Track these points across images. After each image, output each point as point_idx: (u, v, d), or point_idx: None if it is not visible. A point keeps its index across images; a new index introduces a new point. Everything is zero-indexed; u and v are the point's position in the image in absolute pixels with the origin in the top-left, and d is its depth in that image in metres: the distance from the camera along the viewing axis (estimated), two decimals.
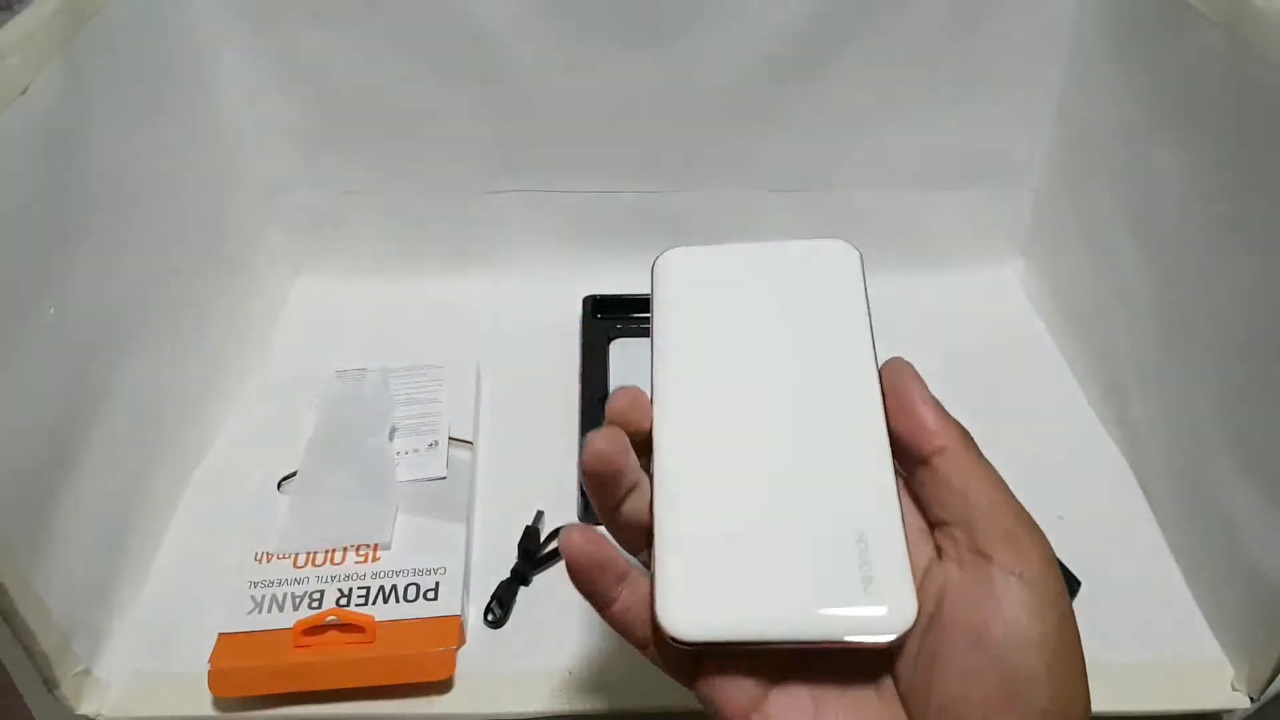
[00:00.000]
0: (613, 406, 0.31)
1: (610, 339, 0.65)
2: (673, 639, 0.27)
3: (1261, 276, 0.43)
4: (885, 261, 0.61)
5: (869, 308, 0.33)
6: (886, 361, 0.31)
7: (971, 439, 0.29)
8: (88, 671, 0.45)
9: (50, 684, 0.43)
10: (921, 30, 0.60)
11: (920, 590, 0.28)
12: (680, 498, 0.29)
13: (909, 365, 0.31)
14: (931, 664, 0.27)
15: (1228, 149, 0.45)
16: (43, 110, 0.42)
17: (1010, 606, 0.26)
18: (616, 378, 0.62)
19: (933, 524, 0.29)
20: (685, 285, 0.34)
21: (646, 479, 0.31)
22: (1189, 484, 0.51)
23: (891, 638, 0.26)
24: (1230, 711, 0.45)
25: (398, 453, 0.56)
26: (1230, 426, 0.47)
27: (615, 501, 0.30)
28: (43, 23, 0.43)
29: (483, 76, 0.62)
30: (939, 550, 0.29)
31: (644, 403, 0.31)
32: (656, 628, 0.27)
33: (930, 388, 0.30)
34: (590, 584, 0.30)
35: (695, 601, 0.27)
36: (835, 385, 0.31)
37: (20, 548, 0.40)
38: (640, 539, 0.31)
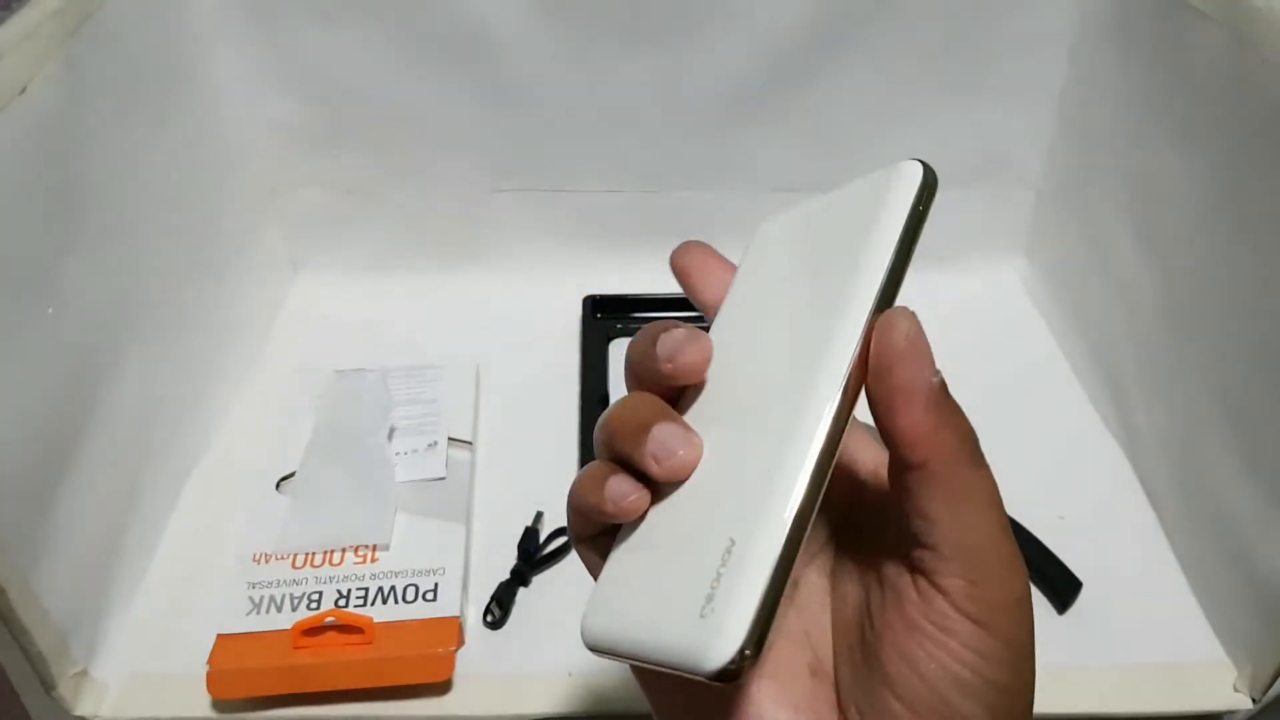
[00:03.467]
0: (684, 256, 0.30)
1: (610, 339, 0.65)
2: (584, 640, 0.25)
3: (1263, 275, 0.43)
4: None
5: (909, 239, 0.25)
6: (881, 318, 0.23)
7: (969, 446, 0.23)
8: (85, 672, 0.45)
9: (48, 685, 0.42)
10: (923, 30, 0.60)
11: (840, 599, 0.26)
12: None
13: (906, 328, 0.23)
14: (870, 675, 0.24)
15: (1229, 148, 0.45)
16: (41, 109, 0.42)
17: (954, 645, 0.22)
18: (616, 378, 0.62)
19: (911, 540, 0.24)
20: (758, 256, 0.30)
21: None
22: (1191, 484, 0.50)
23: (708, 670, 0.21)
24: (1232, 712, 0.45)
25: (397, 453, 0.56)
26: (1232, 426, 0.46)
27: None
28: (42, 22, 0.43)
29: (483, 75, 0.62)
30: (911, 560, 0.24)
31: (717, 264, 0.30)
32: None
33: None
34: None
35: (599, 606, 0.26)
36: (808, 348, 0.24)
37: (18, 548, 0.40)
38: None
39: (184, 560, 0.52)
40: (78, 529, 0.44)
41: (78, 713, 0.44)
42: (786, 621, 0.27)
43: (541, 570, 0.52)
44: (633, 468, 0.26)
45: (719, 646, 0.21)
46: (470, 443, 0.57)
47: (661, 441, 0.25)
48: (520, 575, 0.51)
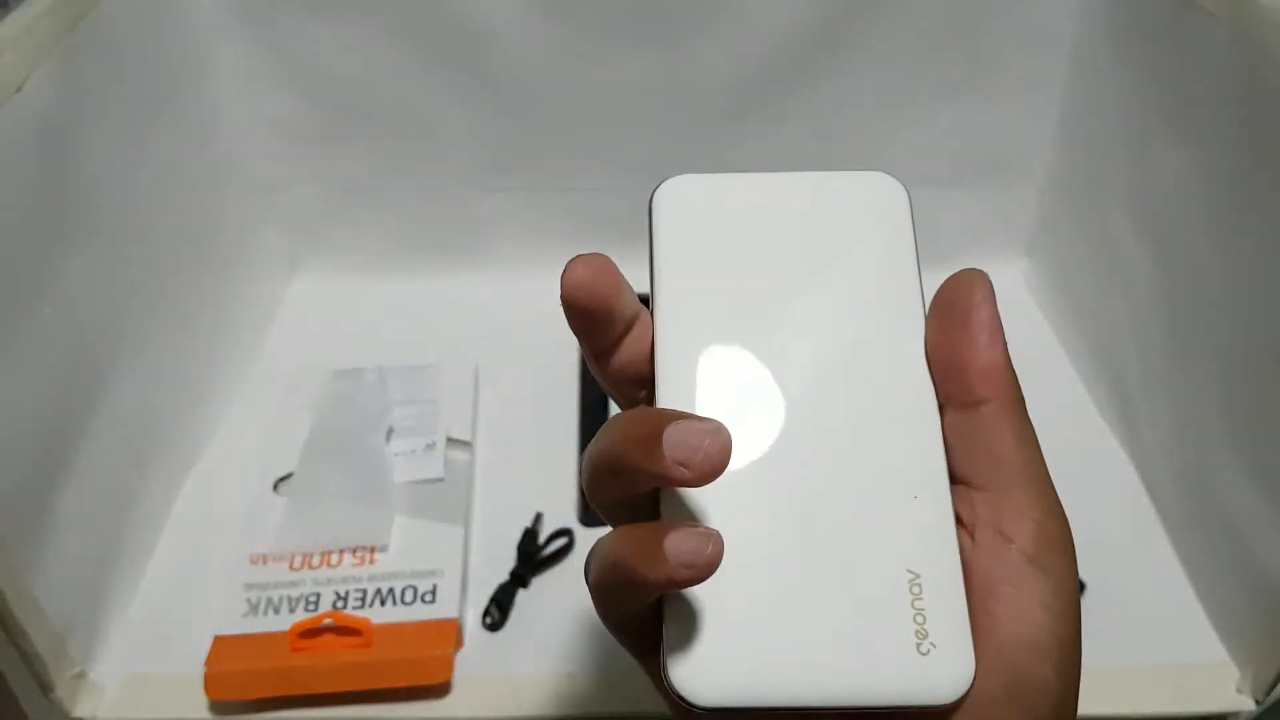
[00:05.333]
0: (572, 281, 0.24)
1: None
2: (688, 703, 0.22)
3: (1266, 274, 0.43)
4: None
5: (919, 262, 0.27)
6: (956, 273, 0.25)
7: (1022, 395, 0.24)
8: (83, 674, 0.44)
9: (45, 686, 0.42)
10: (924, 28, 0.60)
11: None
12: (690, 508, 0.23)
13: (982, 277, 0.25)
14: None
15: (1232, 147, 0.45)
16: (38, 107, 0.42)
17: (1028, 603, 0.22)
18: None
19: (952, 479, 0.25)
20: (693, 224, 0.27)
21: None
22: (1194, 485, 0.50)
23: (949, 701, 0.22)
24: (1235, 714, 0.45)
25: (395, 454, 0.55)
26: (1236, 427, 0.46)
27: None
28: (38, 20, 0.42)
29: (481, 73, 0.62)
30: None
31: (615, 274, 0.25)
32: (667, 684, 0.22)
33: None
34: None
35: (714, 655, 0.22)
36: (880, 367, 0.25)
37: (16, 549, 0.40)
38: (639, 392, 0.26)
39: (181, 561, 0.52)
40: (75, 530, 0.44)
41: (75, 714, 0.44)
42: None
43: (541, 572, 0.52)
44: (646, 508, 0.23)
45: (957, 677, 0.22)
46: (469, 443, 0.57)
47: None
48: (519, 577, 0.51)
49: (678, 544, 0.21)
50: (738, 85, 0.62)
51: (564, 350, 0.64)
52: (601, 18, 0.60)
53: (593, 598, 0.24)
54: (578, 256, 0.24)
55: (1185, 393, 0.51)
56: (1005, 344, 0.24)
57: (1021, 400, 0.24)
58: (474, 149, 0.65)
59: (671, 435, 0.21)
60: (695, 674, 0.22)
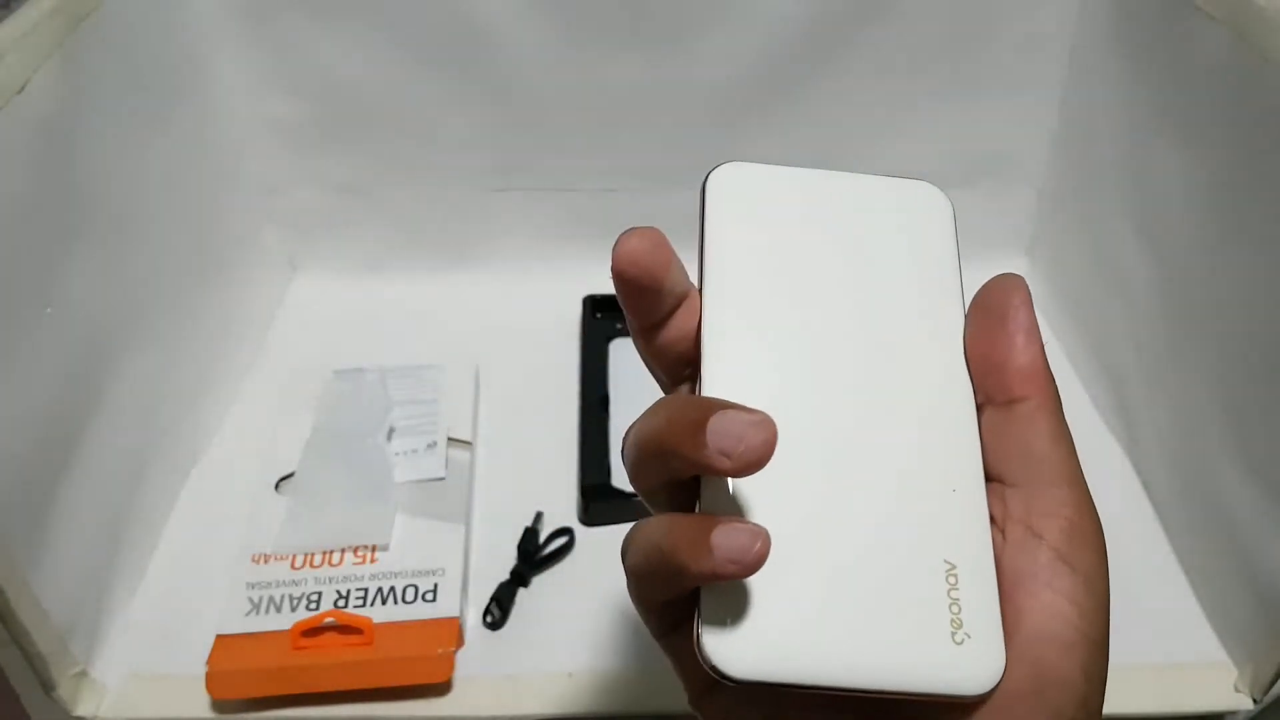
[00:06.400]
0: (624, 252, 0.24)
1: (610, 339, 0.65)
2: (721, 673, 0.22)
3: (1265, 275, 0.43)
4: None
5: (960, 269, 0.28)
6: (995, 277, 0.26)
7: (1059, 395, 0.25)
8: (85, 673, 0.45)
9: (47, 685, 0.42)
10: (924, 29, 0.60)
11: None
12: (732, 494, 0.24)
13: (1020, 281, 0.25)
14: None
15: (1231, 148, 0.45)
16: (39, 109, 0.42)
17: (1057, 599, 0.22)
18: (616, 378, 0.62)
19: (986, 476, 0.25)
20: (745, 212, 0.28)
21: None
22: (1192, 484, 0.50)
23: (981, 693, 0.22)
24: (1233, 713, 0.45)
25: (396, 453, 0.55)
26: (1234, 426, 0.46)
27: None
28: (40, 21, 0.43)
29: (482, 74, 0.62)
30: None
31: (667, 249, 0.25)
32: (700, 654, 0.22)
33: None
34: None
35: (750, 629, 0.22)
36: (921, 363, 0.26)
37: (18, 549, 0.40)
38: (684, 369, 0.26)
39: (183, 561, 0.52)
40: (77, 529, 0.44)
41: (77, 713, 0.44)
42: None
43: (541, 571, 0.52)
44: (687, 491, 0.23)
45: (989, 668, 0.22)
46: (470, 443, 0.57)
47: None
48: (520, 576, 0.51)
49: (726, 539, 0.21)
50: (738, 86, 0.62)
51: (564, 350, 0.65)
52: (601, 18, 0.60)
53: (629, 580, 0.24)
54: (632, 229, 0.24)
55: (1183, 392, 0.51)
56: (1042, 345, 0.25)
57: (1058, 400, 0.25)
58: (474, 149, 0.66)
59: (716, 424, 0.21)
60: (730, 645, 0.22)
